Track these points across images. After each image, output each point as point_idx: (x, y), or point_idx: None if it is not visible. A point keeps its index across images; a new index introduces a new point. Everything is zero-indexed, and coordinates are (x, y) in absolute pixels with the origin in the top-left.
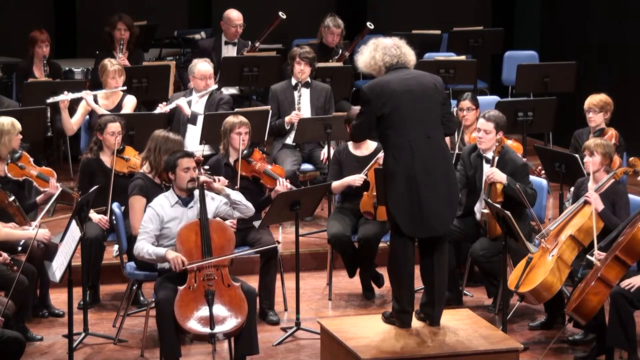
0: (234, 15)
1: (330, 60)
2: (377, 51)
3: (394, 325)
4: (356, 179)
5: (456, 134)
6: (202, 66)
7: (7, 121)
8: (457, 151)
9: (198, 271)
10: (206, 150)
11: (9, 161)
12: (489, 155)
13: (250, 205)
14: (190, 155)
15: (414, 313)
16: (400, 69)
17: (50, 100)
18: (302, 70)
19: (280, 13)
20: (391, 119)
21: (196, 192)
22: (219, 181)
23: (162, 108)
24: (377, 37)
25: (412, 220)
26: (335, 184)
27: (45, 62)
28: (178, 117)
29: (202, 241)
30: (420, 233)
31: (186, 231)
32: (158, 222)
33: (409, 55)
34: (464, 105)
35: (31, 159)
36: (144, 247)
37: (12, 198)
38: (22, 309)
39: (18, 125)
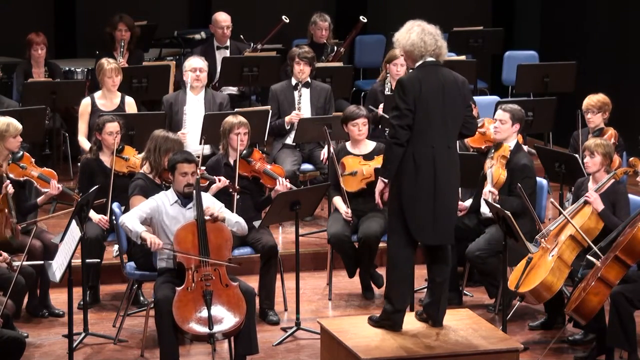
0: (222, 17)
1: (323, 58)
2: (425, 35)
3: (383, 328)
4: (346, 214)
5: None
6: (193, 60)
7: (3, 121)
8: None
9: (196, 271)
10: (206, 150)
11: (10, 161)
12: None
13: (245, 229)
14: (191, 160)
15: (414, 314)
16: (436, 66)
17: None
18: (301, 70)
19: (283, 17)
20: (418, 120)
21: (193, 193)
22: (219, 181)
23: None
24: (418, 21)
25: (426, 229)
26: (335, 203)
27: (45, 63)
28: (177, 117)
29: (200, 242)
30: (432, 240)
31: (183, 232)
32: (155, 213)
33: (444, 48)
34: None
35: (32, 160)
36: (131, 220)
37: None
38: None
39: (16, 127)
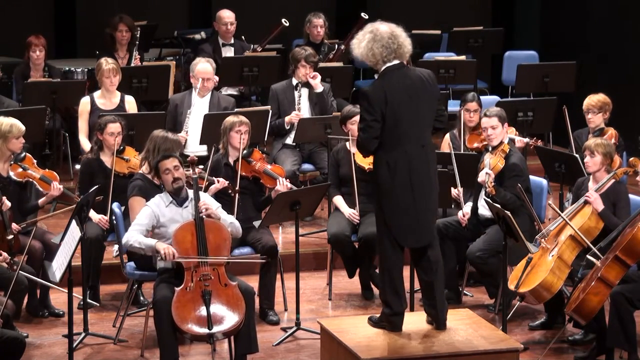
0: (225, 14)
1: (320, 57)
2: (375, 42)
3: (384, 329)
4: (352, 215)
5: (460, 134)
6: (201, 66)
7: (7, 122)
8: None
9: (194, 271)
10: (203, 152)
11: (12, 162)
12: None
13: (240, 231)
14: (168, 156)
15: (426, 318)
16: (399, 69)
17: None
18: (306, 74)
19: (283, 20)
20: (389, 128)
21: (190, 192)
22: (218, 182)
23: None
24: (372, 26)
25: (407, 232)
26: (335, 202)
27: (44, 66)
28: (181, 119)
29: (198, 241)
30: (413, 243)
31: (182, 232)
32: (153, 219)
33: (405, 46)
34: (472, 107)
35: (35, 161)
36: (134, 236)
37: None
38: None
39: (19, 128)
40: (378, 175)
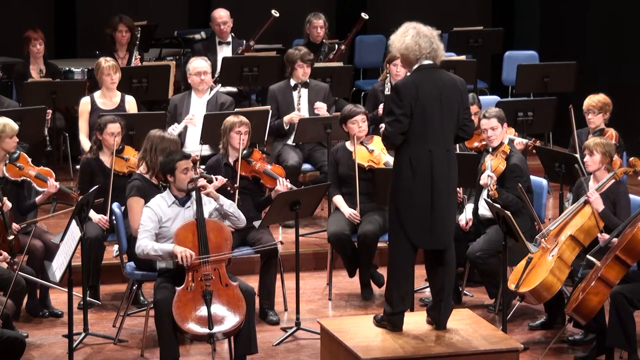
0: (218, 13)
1: (321, 57)
2: (421, 37)
3: (385, 328)
4: (353, 215)
5: None
6: (197, 63)
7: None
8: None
9: (195, 271)
10: (205, 150)
11: (7, 161)
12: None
13: (242, 217)
14: (187, 156)
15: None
16: (432, 69)
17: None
18: (305, 73)
19: (273, 11)
20: (415, 125)
21: (193, 192)
22: (217, 180)
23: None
24: (413, 24)
25: (423, 233)
26: (335, 202)
27: (43, 61)
28: (180, 119)
29: (199, 241)
30: (427, 244)
31: (183, 231)
32: (156, 221)
33: (441, 49)
34: (473, 110)
35: (29, 159)
36: (148, 244)
37: None
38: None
39: (12, 127)
40: (399, 171)
